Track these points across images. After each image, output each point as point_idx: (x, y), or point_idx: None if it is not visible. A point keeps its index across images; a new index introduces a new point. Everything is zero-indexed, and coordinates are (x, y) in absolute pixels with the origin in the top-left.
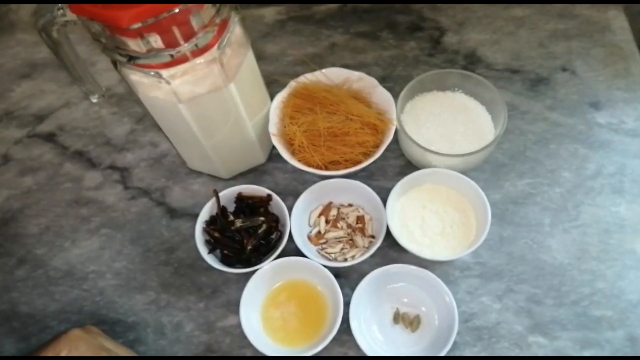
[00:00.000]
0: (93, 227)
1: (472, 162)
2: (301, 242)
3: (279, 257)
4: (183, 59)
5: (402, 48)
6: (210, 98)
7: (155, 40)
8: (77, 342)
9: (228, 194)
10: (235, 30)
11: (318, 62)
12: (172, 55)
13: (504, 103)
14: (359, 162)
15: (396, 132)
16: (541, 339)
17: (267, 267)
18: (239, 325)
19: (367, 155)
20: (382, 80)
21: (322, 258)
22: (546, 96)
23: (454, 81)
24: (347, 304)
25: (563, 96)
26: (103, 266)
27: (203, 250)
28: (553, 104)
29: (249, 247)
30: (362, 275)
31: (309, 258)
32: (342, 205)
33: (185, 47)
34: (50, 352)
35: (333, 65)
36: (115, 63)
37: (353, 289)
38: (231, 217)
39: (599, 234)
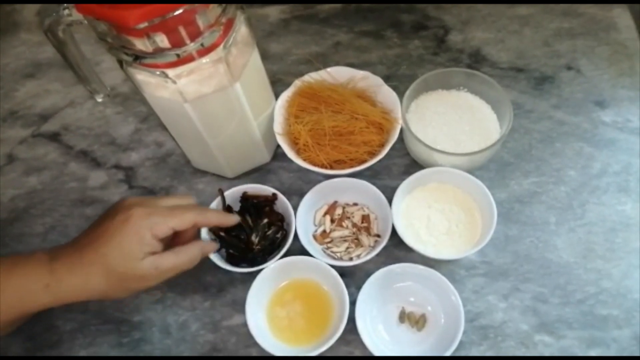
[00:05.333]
0: None
1: (477, 161)
2: (306, 241)
3: (284, 256)
4: (189, 59)
5: (406, 47)
6: (216, 97)
7: (162, 40)
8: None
9: (233, 193)
10: (241, 30)
11: (322, 61)
12: (178, 55)
13: (510, 102)
14: (364, 161)
15: (401, 131)
16: (547, 338)
17: (273, 267)
18: (244, 325)
19: (372, 154)
20: (387, 79)
21: (328, 257)
22: (551, 95)
23: (459, 80)
24: (352, 303)
25: (568, 95)
26: None
27: None
28: (558, 103)
29: (256, 247)
30: (368, 275)
31: (314, 257)
32: (347, 205)
33: (191, 47)
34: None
35: (337, 64)
36: (121, 63)
37: (359, 288)
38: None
39: (604, 233)
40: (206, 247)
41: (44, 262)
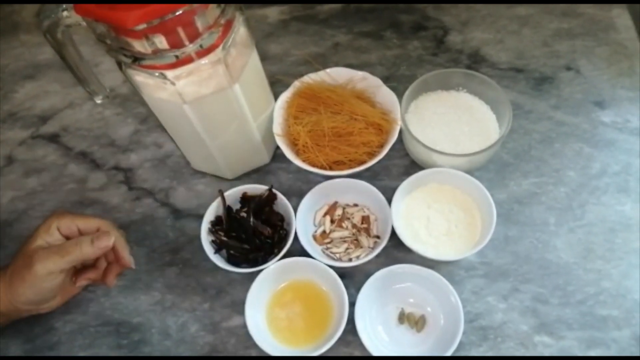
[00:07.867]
0: None
1: (477, 162)
2: (306, 241)
3: (284, 256)
4: (188, 60)
5: (405, 47)
6: (215, 99)
7: (160, 41)
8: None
9: (233, 194)
10: (240, 31)
11: (322, 61)
12: (177, 56)
13: (509, 102)
14: (364, 162)
15: (400, 131)
16: (547, 339)
17: (272, 267)
18: (244, 326)
19: (371, 155)
20: (386, 80)
21: (327, 258)
22: (550, 95)
23: (458, 80)
24: (352, 304)
25: (567, 95)
26: None
27: (209, 250)
28: (557, 103)
29: (257, 247)
30: (367, 276)
31: (313, 258)
32: (348, 205)
33: (190, 48)
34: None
35: (337, 65)
36: (120, 64)
37: (358, 289)
38: (242, 214)
39: (604, 233)
40: (99, 238)
41: None
